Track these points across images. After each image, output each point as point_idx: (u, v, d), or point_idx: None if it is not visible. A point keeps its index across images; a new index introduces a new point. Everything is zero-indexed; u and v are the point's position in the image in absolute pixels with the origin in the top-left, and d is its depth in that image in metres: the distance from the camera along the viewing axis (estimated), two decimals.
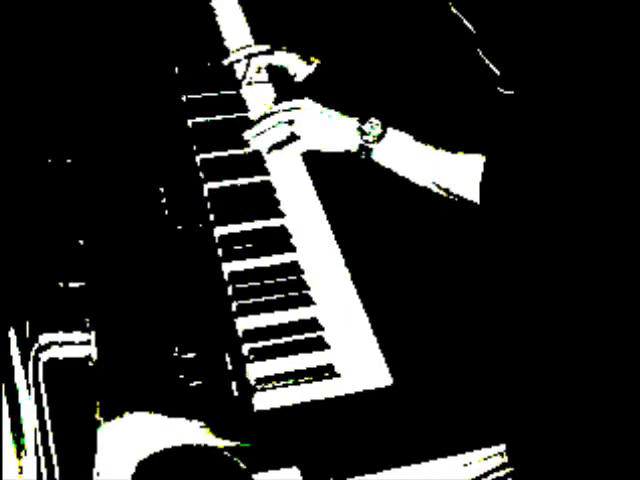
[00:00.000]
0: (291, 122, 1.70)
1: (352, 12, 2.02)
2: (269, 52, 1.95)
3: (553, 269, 1.50)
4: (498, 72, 1.57)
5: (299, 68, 1.93)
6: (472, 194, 1.55)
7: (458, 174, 1.57)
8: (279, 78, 1.98)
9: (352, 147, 1.65)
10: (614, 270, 1.47)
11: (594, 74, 1.44)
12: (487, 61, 1.58)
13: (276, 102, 1.89)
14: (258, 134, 1.73)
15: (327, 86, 1.91)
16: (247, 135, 1.74)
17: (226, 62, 1.98)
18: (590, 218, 1.47)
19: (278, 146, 1.72)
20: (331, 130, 1.67)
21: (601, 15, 1.44)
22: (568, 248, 1.49)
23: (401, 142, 1.63)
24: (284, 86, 1.96)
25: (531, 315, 1.50)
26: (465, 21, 1.63)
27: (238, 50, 1.98)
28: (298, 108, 1.70)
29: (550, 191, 1.48)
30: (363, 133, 1.63)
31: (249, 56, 1.95)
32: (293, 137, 1.70)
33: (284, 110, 1.71)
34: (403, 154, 1.62)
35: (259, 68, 1.96)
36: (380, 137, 1.63)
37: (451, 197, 1.59)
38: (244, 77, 1.95)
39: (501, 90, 1.56)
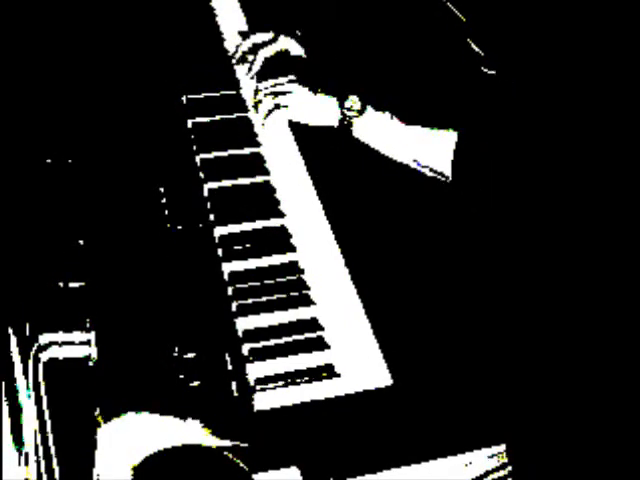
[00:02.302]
0: (281, 94, 1.80)
1: (350, 13, 2.02)
2: (273, 40, 1.95)
3: (534, 258, 1.51)
4: (482, 53, 1.60)
5: (300, 52, 1.94)
6: (447, 170, 1.59)
7: (434, 150, 1.62)
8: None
9: (333, 122, 1.74)
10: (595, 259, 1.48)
11: (574, 58, 1.46)
12: (470, 42, 1.60)
13: (262, 75, 1.90)
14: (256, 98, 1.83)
15: (317, 69, 1.92)
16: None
17: (237, 55, 1.97)
18: (559, 203, 1.48)
19: (269, 112, 1.81)
20: (314, 104, 1.76)
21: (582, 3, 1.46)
22: (537, 234, 1.50)
23: (379, 119, 1.70)
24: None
25: (530, 314, 1.51)
26: (448, 3, 1.65)
27: (242, 42, 1.97)
28: (283, 83, 1.81)
29: (518, 169, 1.50)
30: (344, 109, 1.72)
31: (254, 47, 1.95)
32: (278, 107, 1.80)
33: (273, 85, 1.81)
34: (381, 130, 1.69)
35: (265, 59, 1.95)
36: (360, 113, 1.71)
37: (433, 175, 1.63)
38: (250, 69, 1.94)
39: (485, 70, 1.59)
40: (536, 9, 1.49)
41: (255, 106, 1.84)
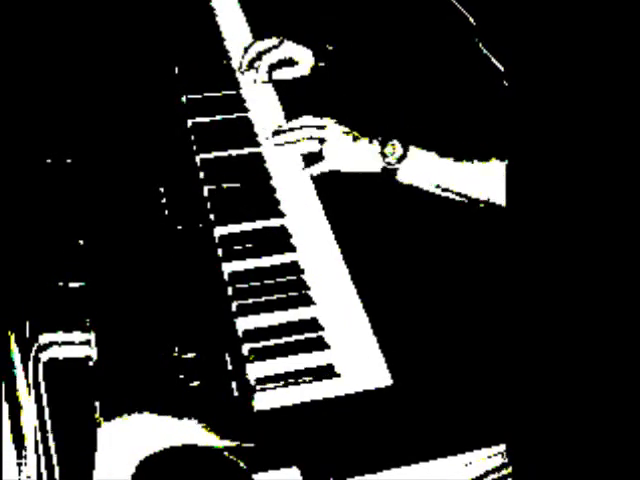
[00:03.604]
0: (321, 140, 1.73)
1: (353, 10, 2.02)
2: (277, 46, 1.94)
3: (560, 267, 1.50)
4: (502, 68, 1.58)
5: (305, 59, 1.94)
6: (499, 199, 1.58)
7: (483, 183, 1.61)
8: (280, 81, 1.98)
9: (375, 169, 1.68)
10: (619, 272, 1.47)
11: (595, 71, 1.44)
12: (491, 57, 1.59)
13: (288, 112, 1.88)
14: (288, 142, 1.76)
15: (326, 83, 1.91)
16: (279, 140, 1.77)
17: (243, 65, 1.97)
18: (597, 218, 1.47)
19: (307, 162, 1.75)
20: (355, 152, 1.70)
21: (602, 12, 1.44)
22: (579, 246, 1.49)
23: (423, 160, 1.66)
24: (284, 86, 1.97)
25: (530, 314, 1.50)
26: (469, 17, 1.64)
27: (248, 48, 1.97)
28: (324, 127, 1.73)
29: (560, 189, 1.49)
30: (385, 156, 1.67)
31: (260, 53, 1.95)
32: (319, 155, 1.73)
33: (311, 127, 1.74)
34: (427, 172, 1.65)
35: (271, 65, 1.95)
36: (402, 158, 1.66)
37: (474, 203, 1.62)
38: (239, 66, 1.94)
39: (507, 84, 1.58)
40: (564, 31, 1.48)
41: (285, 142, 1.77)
